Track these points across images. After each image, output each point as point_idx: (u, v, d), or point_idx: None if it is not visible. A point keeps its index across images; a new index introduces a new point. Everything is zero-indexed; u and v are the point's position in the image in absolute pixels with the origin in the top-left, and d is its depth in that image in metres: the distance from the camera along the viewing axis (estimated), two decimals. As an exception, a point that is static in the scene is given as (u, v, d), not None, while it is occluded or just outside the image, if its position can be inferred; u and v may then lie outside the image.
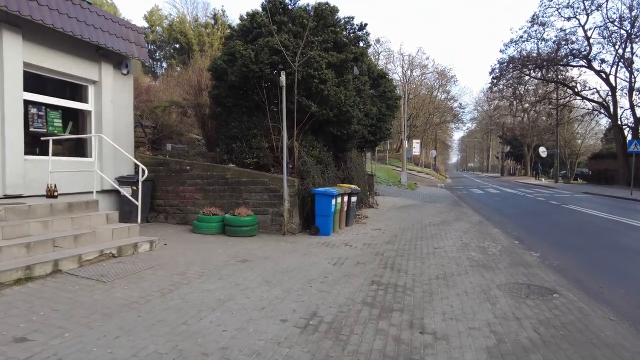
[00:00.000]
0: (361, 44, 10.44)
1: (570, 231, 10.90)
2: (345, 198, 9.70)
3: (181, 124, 13.81)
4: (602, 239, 9.78)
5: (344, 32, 10.17)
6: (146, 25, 38.99)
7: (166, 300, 4.38)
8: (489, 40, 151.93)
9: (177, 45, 36.92)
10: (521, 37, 30.18)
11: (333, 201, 8.70)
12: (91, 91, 9.30)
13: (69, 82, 8.78)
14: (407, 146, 35.08)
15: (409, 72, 62.99)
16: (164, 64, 37.55)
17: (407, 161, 37.65)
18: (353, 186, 10.42)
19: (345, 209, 9.83)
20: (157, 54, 38.98)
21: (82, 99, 9.28)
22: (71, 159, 8.78)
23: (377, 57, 52.84)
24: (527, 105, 61.60)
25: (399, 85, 47.95)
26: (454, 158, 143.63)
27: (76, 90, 9.29)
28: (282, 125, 8.73)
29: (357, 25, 10.48)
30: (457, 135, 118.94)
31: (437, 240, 8.76)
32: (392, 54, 60.48)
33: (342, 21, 10.02)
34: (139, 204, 7.56)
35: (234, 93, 9.71)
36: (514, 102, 62.54)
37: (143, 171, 7.62)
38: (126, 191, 8.95)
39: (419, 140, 51.53)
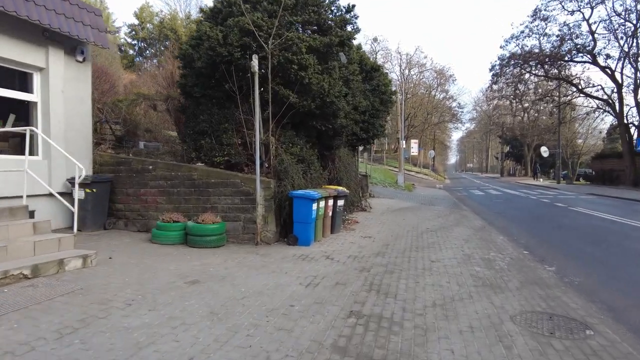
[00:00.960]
0: (349, 28, 9.24)
1: (584, 238, 9.70)
2: (330, 202, 8.49)
3: (157, 120, 12.60)
4: (622, 248, 8.58)
5: (329, 14, 8.97)
6: (136, 22, 37.84)
7: (59, 348, 3.17)
8: (486, 42, 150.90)
9: (168, 43, 35.73)
10: (522, 32, 29.08)
11: (314, 206, 7.49)
12: (36, 79, 8.08)
13: (7, 68, 7.56)
14: (404, 146, 33.91)
15: (406, 71, 61.93)
16: (155, 62, 36.37)
17: (405, 162, 36.48)
18: (340, 188, 9.21)
19: (330, 214, 8.62)
20: (148, 52, 37.82)
21: (26, 88, 8.08)
22: (8, 157, 7.55)
23: (374, 55, 51.71)
24: (527, 104, 60.69)
25: (397, 83, 46.79)
26: (453, 159, 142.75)
27: (18, 78, 8.09)
28: (255, 117, 7.52)
29: (344, 7, 9.28)
30: (456, 135, 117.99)
31: (434, 250, 7.55)
32: (389, 52, 59.33)
33: (327, 1, 8.82)
34: (75, 210, 6.33)
35: (202, 82, 8.51)
36: (514, 101, 61.63)
37: (80, 171, 6.39)
38: (80, 195, 7.73)
39: (417, 141, 50.38)
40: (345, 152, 12.35)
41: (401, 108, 34.22)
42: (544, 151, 36.22)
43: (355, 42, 14.60)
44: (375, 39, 53.87)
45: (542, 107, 56.38)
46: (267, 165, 8.07)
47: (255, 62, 7.36)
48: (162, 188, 8.55)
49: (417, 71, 61.79)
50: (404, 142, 36.22)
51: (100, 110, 9.36)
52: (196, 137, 8.79)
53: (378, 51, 55.81)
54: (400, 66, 61.51)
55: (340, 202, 9.03)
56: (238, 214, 7.92)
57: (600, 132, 51.10)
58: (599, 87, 27.88)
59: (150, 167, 8.71)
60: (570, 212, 15.16)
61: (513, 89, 32.65)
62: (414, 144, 43.81)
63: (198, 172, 8.27)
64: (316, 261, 6.40)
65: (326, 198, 8.21)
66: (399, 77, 59.14)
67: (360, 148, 23.93)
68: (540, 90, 52.66)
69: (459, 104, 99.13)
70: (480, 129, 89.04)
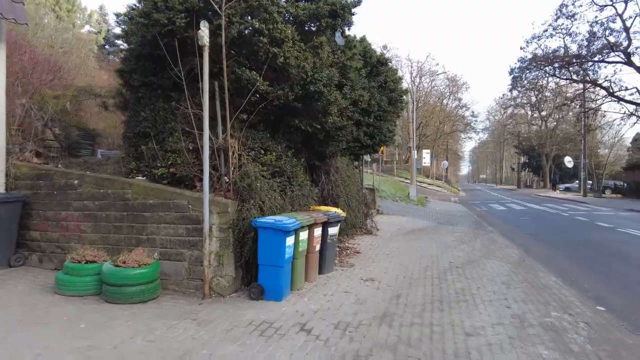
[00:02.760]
0: (345, -1, 6.88)
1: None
2: (318, 231, 6.06)
3: (118, 123, 10.34)
4: None
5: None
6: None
7: None
8: (497, 53, 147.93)
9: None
10: (545, 31, 26.47)
11: (289, 240, 5.07)
12: None
13: None
14: (416, 156, 31.41)
15: (417, 79, 59.57)
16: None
17: (417, 173, 33.91)
18: (333, 210, 6.78)
19: (318, 247, 6.18)
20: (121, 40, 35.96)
21: None
22: None
23: (383, 61, 49.37)
24: (544, 112, 57.74)
25: (408, 88, 44.31)
26: (465, 169, 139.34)
27: None
28: (204, 110, 5.17)
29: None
30: (468, 146, 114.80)
31: (467, 308, 5.05)
32: (400, 60, 57.01)
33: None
34: None
35: (141, 66, 6.22)
36: (531, 109, 58.75)
37: None
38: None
39: (429, 151, 47.70)
40: (345, 162, 9.94)
41: (413, 116, 31.85)
42: (568, 161, 33.33)
43: (361, 37, 12.37)
44: (385, 46, 51.15)
45: (561, 116, 53.43)
46: (226, 180, 5.69)
47: (204, 30, 5.04)
48: (88, 211, 6.23)
49: (428, 79, 59.37)
50: (416, 152, 33.73)
51: (43, 110, 7.12)
52: (136, 140, 6.48)
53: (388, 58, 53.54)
54: (411, 74, 59.18)
55: (333, 230, 6.59)
56: (182, 250, 5.53)
57: (622, 141, 47.92)
58: (634, 90, 25.07)
59: (76, 182, 6.40)
60: (624, 235, 12.47)
61: (536, 93, 29.92)
62: (426, 154, 41.22)
63: (133, 190, 5.93)
64: (282, 338, 3.95)
65: (311, 226, 5.78)
66: (410, 85, 56.75)
67: (368, 158, 21.58)
68: (558, 99, 49.82)
69: (473, 112, 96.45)
70: (494, 139, 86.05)
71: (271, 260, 4.98)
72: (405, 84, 53.84)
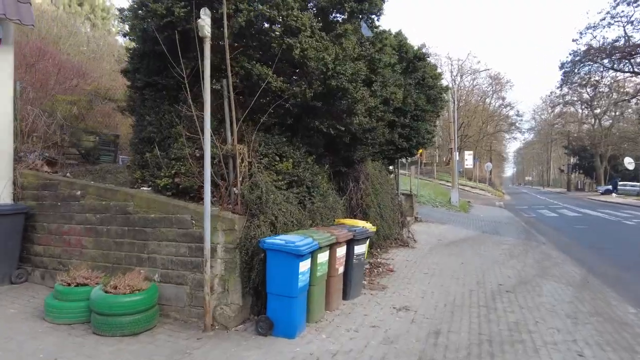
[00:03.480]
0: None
1: None
2: (341, 251, 5.19)
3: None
4: None
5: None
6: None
7: None
8: (544, 48, 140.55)
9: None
10: (602, 20, 24.14)
11: (303, 265, 4.24)
12: None
13: None
14: (458, 158, 29.79)
15: (458, 77, 57.30)
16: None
17: (459, 175, 32.17)
18: (360, 225, 5.89)
19: (342, 270, 5.32)
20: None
21: None
22: None
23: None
24: (598, 110, 53.81)
25: (449, 85, 42.51)
26: (510, 171, 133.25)
27: None
28: (205, 111, 4.45)
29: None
30: (513, 146, 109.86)
31: (524, 355, 4.00)
32: (439, 58, 54.96)
33: None
34: None
35: (145, 64, 5.61)
36: (584, 106, 54.89)
37: None
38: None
39: (471, 152, 45.47)
40: (377, 167, 9.01)
41: (454, 116, 30.21)
42: (629, 162, 30.46)
43: (396, 31, 11.38)
44: (423, 45, 49.63)
45: (619, 113, 49.54)
46: (235, 192, 4.95)
47: (205, 19, 4.32)
48: (90, 225, 5.69)
49: (469, 77, 56.95)
50: (457, 153, 32.03)
51: (52, 116, 6.72)
52: (142, 147, 5.87)
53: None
54: (452, 72, 57.02)
55: (360, 249, 5.69)
56: (184, 272, 4.84)
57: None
58: None
59: (79, 192, 5.89)
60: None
61: (590, 89, 27.50)
62: (469, 156, 39.26)
63: (135, 202, 5.32)
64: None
65: (333, 246, 4.93)
66: (451, 84, 54.57)
67: (405, 161, 20.40)
68: (615, 95, 46.08)
69: (518, 111, 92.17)
70: (540, 139, 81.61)
71: (281, 290, 4.17)
72: (445, 82, 51.90)
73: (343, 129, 5.57)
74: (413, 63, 10.68)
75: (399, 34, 11.29)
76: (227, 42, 4.50)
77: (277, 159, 5.30)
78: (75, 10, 18.47)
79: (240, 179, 4.85)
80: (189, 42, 4.99)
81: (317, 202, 5.57)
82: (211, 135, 4.74)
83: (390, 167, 12.49)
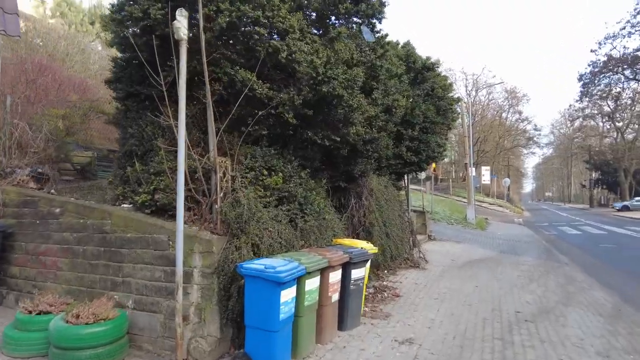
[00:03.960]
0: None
1: None
2: (335, 276, 4.63)
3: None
4: None
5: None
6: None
7: None
8: (561, 62, 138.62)
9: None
10: (622, 29, 23.32)
11: (285, 294, 3.69)
12: None
13: None
14: (474, 173, 28.92)
15: (473, 92, 56.55)
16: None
17: (476, 191, 31.20)
18: (359, 246, 5.33)
19: (336, 297, 4.74)
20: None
21: None
22: None
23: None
24: (620, 123, 52.15)
25: (462, 101, 41.72)
26: (528, 187, 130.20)
27: None
28: (179, 121, 4.02)
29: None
30: (531, 162, 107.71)
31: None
32: (453, 73, 54.46)
33: None
34: None
35: (127, 73, 5.26)
36: (605, 119, 53.36)
37: None
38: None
39: (488, 167, 44.40)
40: (383, 182, 8.44)
41: (468, 130, 29.44)
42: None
43: (405, 41, 10.96)
44: (437, 61, 49.27)
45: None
46: (217, 207, 4.47)
47: (180, 21, 3.93)
48: (67, 244, 5.27)
49: (485, 92, 56.13)
50: (474, 169, 31.13)
51: (39, 129, 6.43)
52: (125, 161, 5.47)
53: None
54: (466, 87, 56.32)
55: (359, 273, 5.11)
56: (158, 298, 4.34)
57: None
58: None
59: (58, 210, 5.50)
60: None
61: (611, 101, 26.49)
62: (485, 171, 38.26)
63: (113, 221, 4.90)
64: None
65: (325, 270, 4.38)
66: (466, 99, 53.83)
67: (422, 175, 19.78)
68: (638, 107, 44.62)
69: (535, 125, 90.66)
70: (560, 153, 79.54)
71: (260, 322, 3.64)
72: (458, 95, 51.25)
73: (339, 139, 5.08)
74: (421, 73, 10.23)
75: (407, 44, 10.87)
76: (203, 44, 4.08)
77: (265, 173, 4.82)
78: (87, 29, 18.65)
79: (222, 194, 4.38)
80: (169, 47, 4.60)
81: (310, 220, 5.05)
82: (188, 147, 4.31)
83: (400, 183, 11.89)
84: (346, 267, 4.86)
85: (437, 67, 10.61)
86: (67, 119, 7.46)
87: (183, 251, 4.10)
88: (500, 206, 42.47)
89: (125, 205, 5.29)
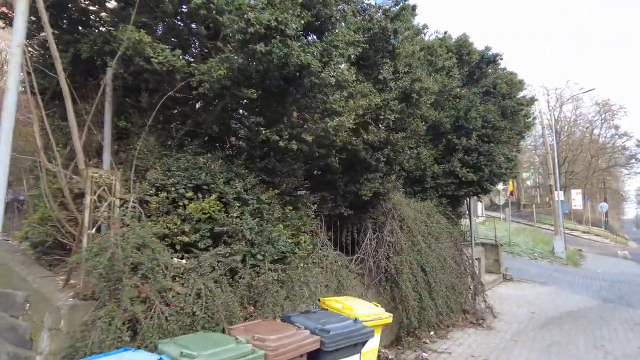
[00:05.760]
0: None
1: None
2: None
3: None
4: None
5: None
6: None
7: None
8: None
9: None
10: None
11: None
12: None
13: None
14: (562, 197, 24.74)
15: (558, 107, 50.76)
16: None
17: (565, 218, 26.65)
18: (361, 312, 3.23)
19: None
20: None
21: None
22: None
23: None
24: None
25: (546, 123, 37.00)
26: (631, 212, 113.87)
27: None
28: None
29: None
30: (634, 183, 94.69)
31: None
32: (533, 89, 49.48)
33: None
34: None
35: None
36: None
37: None
38: None
39: (579, 191, 38.68)
40: (426, 208, 6.18)
41: (554, 153, 25.45)
42: None
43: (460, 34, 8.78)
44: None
45: None
46: (83, 249, 2.72)
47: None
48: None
49: (571, 106, 50.10)
50: (562, 192, 26.77)
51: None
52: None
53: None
54: (548, 102, 50.76)
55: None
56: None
57: None
58: None
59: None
60: None
61: None
62: (576, 195, 33.19)
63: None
64: None
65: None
66: (549, 116, 48.32)
67: (501, 201, 16.78)
68: None
69: (638, 141, 79.89)
70: (671, 173, 68.43)
71: None
72: (537, 109, 46.34)
73: (310, 139, 3.12)
74: (479, 68, 7.97)
75: (462, 36, 8.65)
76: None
77: (189, 194, 3.00)
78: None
79: (93, 230, 2.63)
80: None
81: (267, 271, 3.10)
82: (51, 150, 2.66)
83: (459, 209, 9.38)
84: (319, 357, 2.79)
85: (501, 59, 8.24)
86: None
87: (31, 321, 2.40)
88: (597, 235, 36.39)
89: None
